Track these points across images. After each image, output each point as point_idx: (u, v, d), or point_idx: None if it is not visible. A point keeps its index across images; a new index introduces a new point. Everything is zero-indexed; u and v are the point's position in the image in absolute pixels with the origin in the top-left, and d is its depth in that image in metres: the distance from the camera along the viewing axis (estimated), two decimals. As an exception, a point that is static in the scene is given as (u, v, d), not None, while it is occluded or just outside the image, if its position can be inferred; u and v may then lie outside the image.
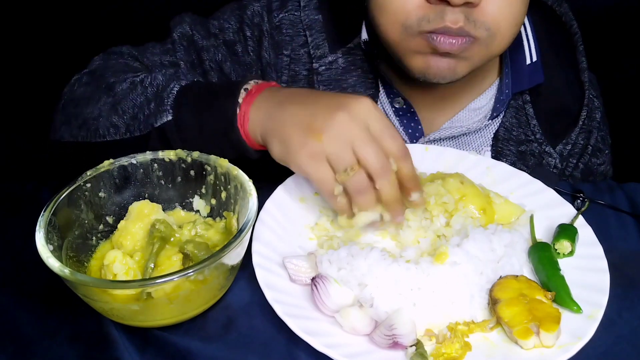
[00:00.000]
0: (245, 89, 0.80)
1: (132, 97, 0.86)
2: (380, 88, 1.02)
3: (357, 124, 0.71)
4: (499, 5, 0.81)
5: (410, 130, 1.02)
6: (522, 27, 0.99)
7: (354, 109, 0.71)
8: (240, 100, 0.79)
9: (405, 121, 1.02)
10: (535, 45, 1.00)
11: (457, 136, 1.02)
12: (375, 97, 1.01)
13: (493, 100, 1.02)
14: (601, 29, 1.21)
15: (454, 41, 0.82)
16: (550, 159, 1.00)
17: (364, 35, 0.97)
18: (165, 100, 0.83)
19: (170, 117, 0.82)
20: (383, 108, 1.02)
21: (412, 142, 1.02)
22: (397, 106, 1.01)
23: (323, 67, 1.00)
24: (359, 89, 1.00)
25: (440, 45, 0.82)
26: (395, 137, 0.72)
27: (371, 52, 0.98)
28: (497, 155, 1.02)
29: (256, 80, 0.82)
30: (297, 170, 0.74)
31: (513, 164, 0.96)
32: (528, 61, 0.99)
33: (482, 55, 0.86)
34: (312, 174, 0.72)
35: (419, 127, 1.02)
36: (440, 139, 1.03)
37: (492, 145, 1.02)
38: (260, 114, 0.77)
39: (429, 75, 0.87)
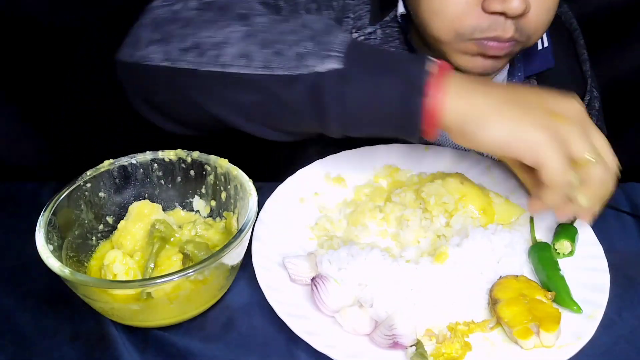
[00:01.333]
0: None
1: (278, 31, 0.72)
2: None
3: (585, 118, 0.67)
4: (540, 13, 0.84)
5: None
6: None
7: (573, 98, 0.69)
8: (429, 69, 0.67)
9: None
10: (547, 32, 1.01)
11: None
12: None
13: (505, 81, 1.04)
14: (598, 28, 1.22)
15: (502, 46, 0.84)
16: None
17: (401, 8, 0.99)
18: (333, 45, 0.68)
19: (339, 65, 0.67)
20: None
21: None
22: None
23: (362, 38, 1.00)
24: None
25: (490, 51, 0.85)
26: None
27: (405, 27, 1.00)
28: None
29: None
30: (523, 148, 0.64)
31: None
32: (540, 47, 1.03)
33: (518, 51, 0.89)
34: (545, 151, 0.63)
35: None
36: None
37: None
38: (462, 91, 0.67)
39: (472, 71, 0.89)
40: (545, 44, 1.02)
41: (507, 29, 0.82)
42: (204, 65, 0.70)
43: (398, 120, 0.67)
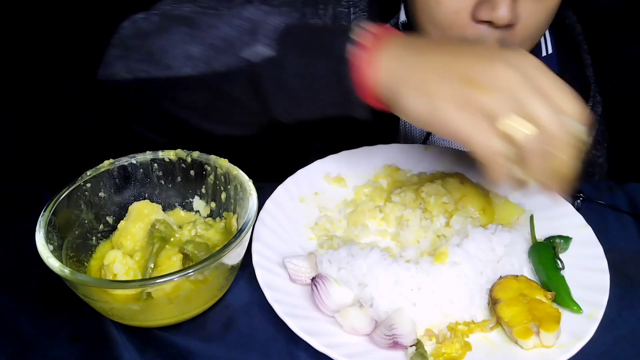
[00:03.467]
0: (360, 31, 0.67)
1: (218, 27, 0.73)
2: None
3: (522, 76, 0.59)
4: (527, 29, 0.85)
5: None
6: None
7: (516, 59, 0.61)
8: (360, 41, 0.65)
9: None
10: (551, 39, 1.04)
11: None
12: None
13: None
14: (600, 31, 1.22)
15: None
16: None
17: (402, 17, 0.99)
18: (265, 33, 0.70)
19: (271, 52, 0.68)
20: None
21: None
22: None
23: None
24: None
25: None
26: (569, 93, 0.61)
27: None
28: None
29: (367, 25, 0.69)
30: (443, 128, 0.61)
31: None
32: (544, 53, 1.04)
33: None
34: (465, 129, 0.59)
35: None
36: None
37: None
38: (392, 61, 0.64)
39: None
40: (550, 51, 1.03)
41: (493, 42, 0.82)
42: (158, 72, 0.74)
43: (337, 99, 0.67)
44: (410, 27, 0.97)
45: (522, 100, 0.58)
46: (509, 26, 0.82)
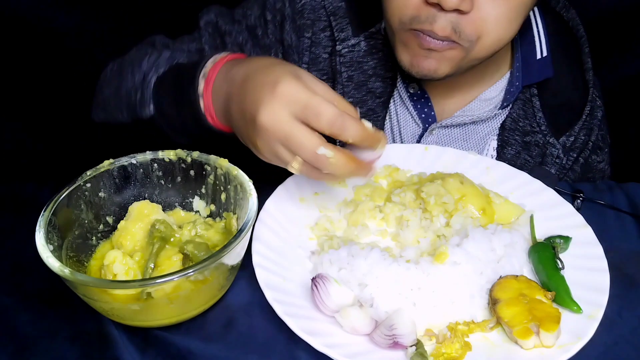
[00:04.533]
0: (205, 73, 0.81)
1: (126, 82, 0.92)
2: (398, 73, 1.06)
3: (286, 113, 0.67)
4: (486, 20, 0.84)
5: (423, 115, 1.07)
6: (534, 23, 1.04)
7: (279, 94, 0.68)
8: (200, 89, 0.80)
9: (419, 106, 1.06)
10: (545, 41, 1.04)
11: (467, 124, 1.06)
12: (393, 80, 1.06)
13: (504, 92, 1.05)
14: (602, 31, 1.22)
15: (437, 42, 0.86)
16: (553, 149, 1.03)
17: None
18: (145, 94, 0.88)
19: (152, 111, 0.87)
20: (399, 92, 1.07)
21: (424, 126, 1.07)
22: (411, 91, 1.06)
23: (346, 50, 1.04)
24: (379, 72, 1.05)
25: (425, 42, 0.86)
26: (325, 106, 0.68)
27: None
28: (503, 144, 1.05)
29: (215, 58, 0.82)
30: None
31: (518, 153, 1.03)
32: (538, 56, 1.03)
33: (462, 58, 0.89)
34: (266, 157, 0.72)
35: (432, 112, 1.06)
36: (451, 126, 1.07)
37: (499, 135, 1.06)
38: (215, 94, 0.79)
39: (414, 72, 0.92)
40: (545, 54, 1.03)
41: (443, 27, 0.83)
42: (111, 119, 0.95)
43: (204, 132, 0.82)
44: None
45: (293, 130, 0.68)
46: (459, 11, 0.82)
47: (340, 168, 0.68)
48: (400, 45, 0.91)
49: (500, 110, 1.05)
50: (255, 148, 0.72)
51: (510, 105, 1.05)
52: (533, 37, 1.04)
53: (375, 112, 1.07)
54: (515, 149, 1.05)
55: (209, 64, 0.81)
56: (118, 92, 0.94)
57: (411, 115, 1.07)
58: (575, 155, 1.04)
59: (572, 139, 1.03)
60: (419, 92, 1.05)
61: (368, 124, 0.70)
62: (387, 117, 1.09)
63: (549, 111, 1.04)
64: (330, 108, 0.67)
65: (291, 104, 0.67)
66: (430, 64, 0.89)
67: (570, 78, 1.05)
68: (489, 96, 1.06)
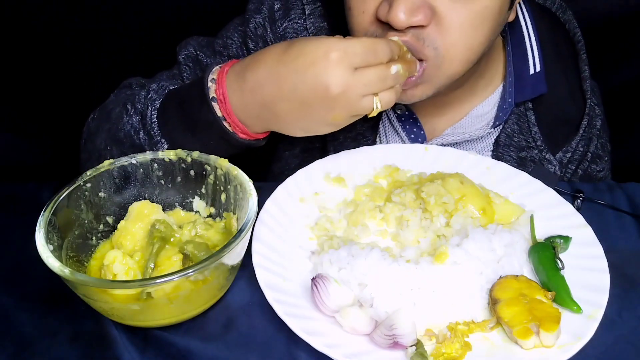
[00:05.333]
0: (212, 83, 0.82)
1: (122, 125, 0.90)
2: None
3: (351, 70, 0.73)
4: (449, 27, 0.81)
5: (412, 136, 1.04)
6: (527, 37, 1.00)
7: (331, 60, 0.73)
8: (219, 113, 0.81)
9: (407, 127, 1.04)
10: (539, 55, 1.00)
11: (459, 142, 1.04)
12: None
13: (496, 108, 1.02)
14: (601, 34, 1.21)
15: None
16: (549, 166, 1.01)
17: None
18: (152, 132, 0.86)
19: (166, 146, 0.86)
20: (387, 114, 1.05)
21: None
22: (399, 112, 1.03)
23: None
24: None
25: None
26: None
27: None
28: (497, 160, 1.02)
29: (213, 74, 0.83)
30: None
31: None
32: (532, 71, 1.00)
33: (434, 75, 0.85)
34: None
35: (422, 132, 1.03)
36: (442, 145, 1.03)
37: (493, 151, 1.03)
38: (250, 118, 0.81)
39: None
40: (538, 69, 0.99)
41: (401, 34, 0.80)
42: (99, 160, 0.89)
43: (231, 149, 0.84)
44: None
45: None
46: (415, 27, 0.80)
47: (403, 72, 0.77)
48: None
49: (492, 129, 1.02)
50: (330, 123, 0.77)
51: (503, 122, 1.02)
52: (526, 50, 1.00)
53: (364, 136, 1.05)
54: (510, 165, 0.99)
55: (211, 84, 0.81)
56: (115, 137, 0.90)
57: (400, 136, 1.04)
58: (573, 167, 1.03)
59: (569, 154, 1.01)
60: (406, 112, 1.02)
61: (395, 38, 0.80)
62: (377, 140, 1.07)
63: (545, 125, 1.01)
64: (371, 41, 0.75)
65: (345, 61, 0.72)
66: (406, 91, 0.85)
67: (566, 90, 1.02)
68: (481, 112, 1.02)
